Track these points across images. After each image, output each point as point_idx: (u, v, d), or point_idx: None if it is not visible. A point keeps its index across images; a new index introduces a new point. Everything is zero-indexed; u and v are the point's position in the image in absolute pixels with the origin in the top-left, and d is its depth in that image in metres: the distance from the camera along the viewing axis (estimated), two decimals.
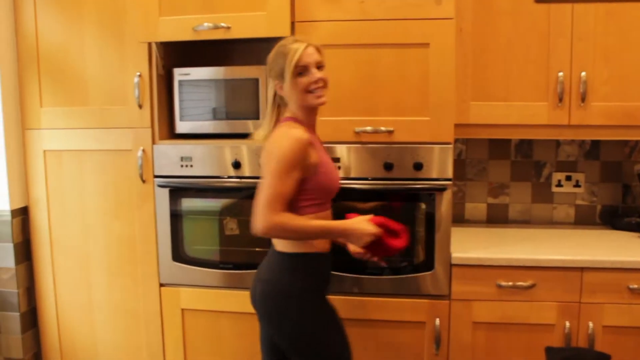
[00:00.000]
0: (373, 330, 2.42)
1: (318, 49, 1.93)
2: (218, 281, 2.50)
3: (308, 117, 1.97)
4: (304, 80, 1.88)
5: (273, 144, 1.88)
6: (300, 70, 1.88)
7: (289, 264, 1.95)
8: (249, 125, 2.46)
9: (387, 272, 2.39)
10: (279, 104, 1.98)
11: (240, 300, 2.45)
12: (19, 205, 2.68)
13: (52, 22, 2.55)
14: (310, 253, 1.96)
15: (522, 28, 2.46)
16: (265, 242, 2.41)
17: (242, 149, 2.42)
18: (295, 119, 1.94)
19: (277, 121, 1.98)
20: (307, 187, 1.90)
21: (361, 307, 2.41)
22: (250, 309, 2.45)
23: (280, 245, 1.96)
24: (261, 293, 1.97)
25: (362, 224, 1.90)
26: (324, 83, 1.91)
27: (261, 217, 1.81)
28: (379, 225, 1.92)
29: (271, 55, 1.94)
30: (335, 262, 2.37)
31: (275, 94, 1.97)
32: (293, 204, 1.90)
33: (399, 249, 1.96)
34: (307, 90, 1.90)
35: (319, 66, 1.92)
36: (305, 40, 1.93)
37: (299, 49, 1.88)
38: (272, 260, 2.00)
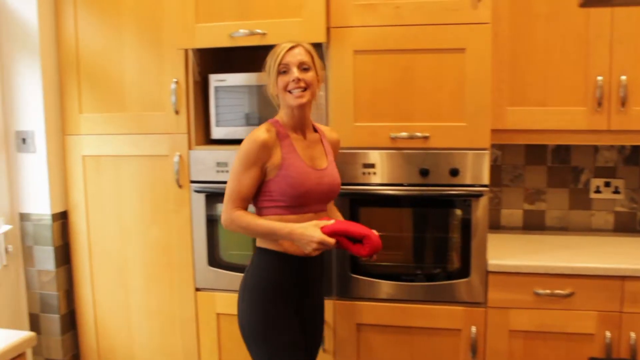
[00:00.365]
0: (408, 337, 2.41)
1: (309, 51, 1.95)
2: None
3: (292, 117, 1.98)
4: (284, 79, 1.91)
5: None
6: (283, 69, 1.92)
7: (257, 257, 2.02)
8: None
9: (421, 278, 2.37)
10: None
11: None
12: (59, 209, 2.73)
13: (92, 29, 2.61)
14: (275, 251, 1.97)
15: (560, 31, 2.42)
16: None
17: None
18: (276, 121, 1.98)
19: None
20: (268, 189, 1.94)
21: (395, 313, 2.40)
22: None
23: (257, 240, 2.03)
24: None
25: (309, 230, 1.85)
26: (305, 84, 1.91)
27: (222, 213, 1.96)
28: (338, 232, 1.86)
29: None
30: (368, 268, 2.38)
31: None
32: (256, 204, 1.98)
33: (362, 256, 1.90)
34: (287, 90, 1.92)
35: (304, 67, 1.92)
36: (298, 41, 1.96)
37: (284, 48, 1.92)
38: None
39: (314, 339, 2.15)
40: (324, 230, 1.84)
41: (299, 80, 1.90)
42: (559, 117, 2.45)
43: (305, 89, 1.91)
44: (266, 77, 1.98)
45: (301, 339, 2.02)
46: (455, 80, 2.27)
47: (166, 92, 2.53)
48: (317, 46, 2.36)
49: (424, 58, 2.28)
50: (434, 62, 2.27)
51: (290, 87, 1.91)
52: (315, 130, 2.09)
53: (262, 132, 1.92)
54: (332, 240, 1.83)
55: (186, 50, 2.48)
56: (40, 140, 2.65)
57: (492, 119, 2.37)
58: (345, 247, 1.90)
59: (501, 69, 2.45)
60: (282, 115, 2.00)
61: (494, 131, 2.40)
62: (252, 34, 2.31)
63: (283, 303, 1.98)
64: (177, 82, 2.50)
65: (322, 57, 2.42)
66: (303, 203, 1.95)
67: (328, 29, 2.30)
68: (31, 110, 2.64)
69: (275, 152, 1.92)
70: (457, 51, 2.25)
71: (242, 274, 2.49)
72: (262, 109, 2.50)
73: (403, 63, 2.29)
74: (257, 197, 1.98)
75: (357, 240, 1.88)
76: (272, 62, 1.94)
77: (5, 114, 2.67)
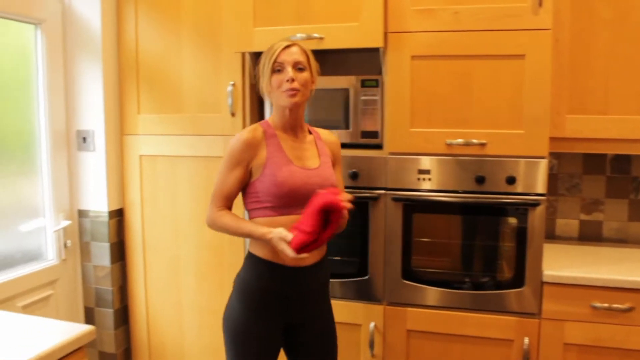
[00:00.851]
0: (458, 346, 2.38)
1: (305, 51, 1.91)
2: None
3: (283, 117, 1.93)
4: (278, 77, 1.87)
5: None
6: (277, 67, 1.87)
7: (248, 261, 1.97)
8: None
9: (473, 286, 2.34)
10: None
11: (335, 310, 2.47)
12: (115, 207, 2.81)
13: (152, 33, 2.67)
14: (264, 259, 1.91)
15: (625, 36, 2.35)
16: (351, 251, 2.43)
17: None
18: (265, 122, 1.96)
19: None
20: (254, 190, 1.90)
21: (446, 320, 2.37)
22: (348, 319, 2.47)
23: (249, 244, 1.99)
24: None
25: (276, 243, 1.78)
26: (298, 84, 1.86)
27: (207, 212, 1.95)
28: (304, 242, 1.75)
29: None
30: (420, 274, 2.36)
31: None
32: (246, 207, 1.96)
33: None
34: (280, 89, 1.87)
35: (299, 67, 1.88)
36: (296, 40, 1.94)
37: (280, 47, 1.87)
38: None
39: (323, 351, 2.06)
40: (292, 246, 1.75)
41: (292, 80, 1.85)
42: (621, 125, 2.38)
43: (298, 90, 1.87)
44: (260, 75, 1.93)
45: (274, 350, 1.97)
46: (513, 86, 2.23)
47: (223, 94, 2.57)
48: (375, 51, 2.37)
49: (482, 64, 2.25)
50: (492, 68, 2.24)
51: (284, 86, 1.86)
52: (310, 133, 2.04)
53: (245, 132, 1.90)
54: (294, 255, 1.74)
55: (243, 54, 2.51)
56: (99, 140, 2.73)
57: (550, 127, 2.31)
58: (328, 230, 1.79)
59: (561, 75, 2.40)
60: (273, 115, 1.97)
61: (552, 139, 2.34)
62: (309, 38, 2.32)
63: (266, 312, 1.91)
64: (233, 85, 2.53)
65: (379, 62, 2.43)
66: (290, 203, 1.88)
67: (385, 34, 2.29)
68: (92, 111, 2.72)
69: (261, 151, 1.88)
70: (517, 57, 2.21)
71: None
72: (317, 112, 2.51)
73: (460, 69, 2.26)
74: (245, 199, 1.95)
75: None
76: (267, 59, 1.89)
77: (68, 113, 2.75)
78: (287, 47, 1.88)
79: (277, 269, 1.89)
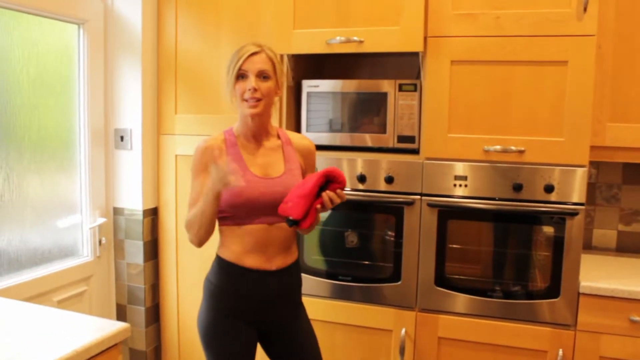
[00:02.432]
0: (491, 355, 2.34)
1: (271, 59, 1.87)
2: (335, 292, 2.52)
3: (246, 125, 1.92)
4: (241, 85, 1.84)
5: None
6: (241, 74, 1.84)
7: (216, 263, 1.96)
8: (366, 138, 2.48)
9: (507, 295, 2.31)
10: None
11: (356, 313, 2.46)
12: (150, 205, 2.84)
13: (191, 33, 2.70)
14: (224, 259, 1.91)
15: None
16: (384, 255, 2.42)
17: (358, 161, 2.43)
18: (228, 130, 1.95)
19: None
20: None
21: (478, 329, 2.34)
22: (365, 322, 2.46)
23: (218, 247, 1.98)
24: None
25: (220, 183, 1.72)
26: (260, 94, 1.83)
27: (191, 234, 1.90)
28: (305, 200, 1.75)
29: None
30: (453, 281, 2.34)
31: None
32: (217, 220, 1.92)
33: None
34: (242, 98, 1.85)
35: (264, 76, 1.84)
36: (265, 47, 1.88)
37: (246, 53, 1.83)
38: None
39: (303, 355, 2.05)
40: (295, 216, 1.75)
41: (255, 90, 1.82)
42: None
43: (260, 99, 1.84)
44: (225, 79, 1.90)
45: (249, 351, 1.94)
46: (554, 93, 2.19)
47: None
48: (413, 55, 2.36)
49: (522, 70, 2.22)
50: (533, 75, 2.21)
51: (245, 95, 1.84)
52: (280, 137, 2.01)
53: (205, 140, 1.91)
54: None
55: (281, 55, 2.52)
56: (136, 138, 2.76)
57: (591, 135, 2.27)
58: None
59: (603, 83, 2.36)
60: (237, 122, 1.95)
61: (592, 147, 2.30)
62: (349, 41, 2.32)
63: (236, 314, 1.91)
64: None
65: (417, 66, 2.41)
66: (251, 213, 1.86)
67: (425, 38, 2.28)
68: (130, 110, 2.76)
69: (218, 159, 1.77)
70: (559, 64, 2.18)
71: (322, 279, 2.53)
72: (354, 116, 2.51)
73: (500, 75, 2.24)
74: None
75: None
76: (231, 65, 1.85)
77: (107, 112, 2.79)
78: (253, 54, 1.84)
79: (244, 272, 1.89)
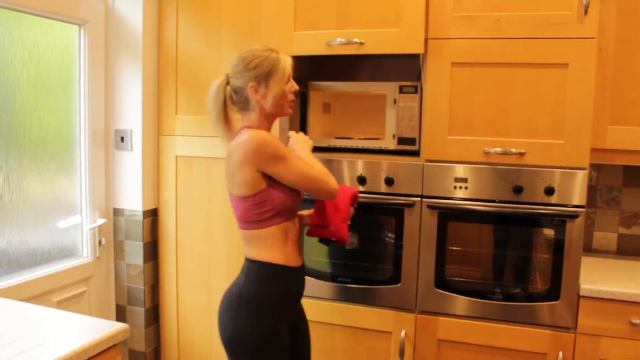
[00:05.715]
0: (490, 357, 2.34)
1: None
2: (334, 294, 2.52)
3: (268, 123, 1.98)
4: (288, 88, 1.93)
5: (253, 145, 1.84)
6: (288, 79, 1.94)
7: (255, 268, 1.92)
8: (366, 140, 2.49)
9: (507, 297, 2.31)
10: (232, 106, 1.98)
11: (356, 315, 2.46)
12: (150, 206, 2.83)
13: (192, 34, 2.70)
14: (269, 263, 1.90)
15: None
16: (384, 257, 2.42)
17: (359, 163, 2.43)
18: (250, 127, 1.93)
19: (229, 123, 2.00)
20: (267, 197, 1.89)
21: (478, 331, 2.34)
22: (364, 324, 2.46)
23: (248, 252, 1.95)
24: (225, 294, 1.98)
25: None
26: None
27: (333, 183, 1.94)
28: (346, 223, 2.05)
29: (250, 58, 1.90)
30: (453, 284, 2.34)
31: (229, 96, 1.96)
32: (247, 219, 1.92)
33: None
34: (285, 99, 1.94)
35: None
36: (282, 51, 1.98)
37: (288, 58, 1.94)
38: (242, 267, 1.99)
39: (307, 348, 2.13)
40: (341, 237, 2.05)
41: (297, 92, 1.98)
42: None
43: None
44: (260, 79, 1.89)
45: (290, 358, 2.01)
46: (555, 96, 2.19)
47: None
48: (414, 57, 2.36)
49: (523, 72, 2.22)
50: (534, 77, 2.21)
51: (290, 97, 1.95)
52: None
53: (258, 131, 1.87)
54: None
55: None
56: (137, 139, 2.76)
57: (591, 138, 2.27)
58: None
59: (604, 85, 2.36)
60: (260, 122, 1.94)
61: (592, 150, 2.31)
62: (350, 43, 2.32)
63: (282, 319, 1.92)
64: None
65: (417, 68, 2.42)
66: (293, 207, 1.97)
67: (426, 40, 2.28)
68: (130, 110, 2.76)
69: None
70: (559, 66, 2.17)
71: (322, 281, 2.52)
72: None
73: (501, 77, 2.24)
74: (252, 210, 1.89)
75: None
76: (281, 68, 1.91)
77: (107, 113, 2.79)
78: (291, 58, 1.96)
79: (291, 271, 1.95)
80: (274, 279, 1.92)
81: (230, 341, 1.89)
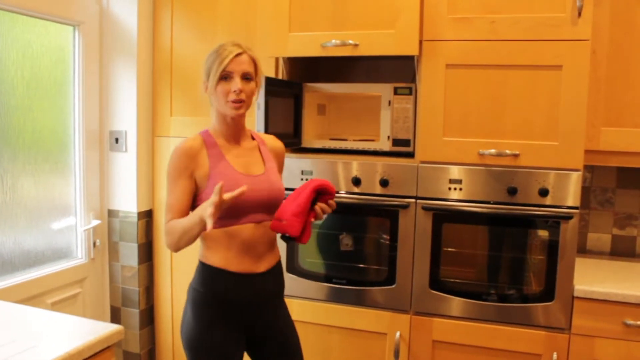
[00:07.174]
0: (485, 358, 2.34)
1: (253, 60, 1.86)
2: (329, 295, 2.52)
3: (225, 125, 1.89)
4: (225, 86, 1.81)
5: None
6: (225, 75, 1.81)
7: (199, 270, 1.91)
8: (361, 141, 2.49)
9: (501, 298, 2.31)
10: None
11: (351, 316, 2.46)
12: (145, 208, 2.83)
13: (187, 35, 2.70)
14: (209, 265, 1.87)
15: None
16: (379, 259, 2.42)
17: (353, 164, 2.43)
18: (205, 131, 1.90)
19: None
20: (201, 201, 1.82)
21: (473, 332, 2.34)
22: (360, 325, 2.46)
23: (199, 252, 1.94)
24: None
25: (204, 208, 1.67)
26: (245, 95, 1.82)
27: (167, 240, 1.85)
28: (299, 218, 1.78)
29: (209, 53, 1.87)
30: (448, 285, 2.34)
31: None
32: None
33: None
34: (226, 99, 1.82)
35: (247, 77, 1.83)
36: (246, 48, 1.86)
37: (231, 53, 1.81)
38: None
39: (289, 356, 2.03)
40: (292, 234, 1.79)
41: (240, 91, 1.80)
42: None
43: (244, 101, 1.83)
44: (205, 74, 1.86)
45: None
46: (549, 97, 2.20)
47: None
48: (408, 59, 2.37)
49: (517, 74, 2.22)
50: (528, 79, 2.21)
51: (230, 97, 1.81)
52: (254, 138, 2.00)
53: (184, 142, 1.84)
54: (217, 199, 1.61)
55: (277, 59, 2.52)
56: (131, 141, 2.76)
57: (585, 139, 2.28)
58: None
59: (597, 87, 2.37)
60: (214, 123, 1.91)
61: (586, 152, 2.32)
62: (344, 44, 2.32)
63: (223, 322, 1.87)
64: None
65: (412, 70, 2.42)
66: (238, 212, 1.83)
67: (420, 42, 2.29)
68: (125, 112, 2.76)
69: (202, 161, 1.82)
70: (553, 68, 2.18)
71: (317, 282, 2.52)
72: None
73: (495, 79, 2.24)
74: None
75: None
76: (215, 64, 1.81)
77: (102, 114, 2.79)
78: (238, 54, 1.82)
79: (230, 276, 1.85)
80: (209, 281, 1.87)
81: (181, 338, 1.93)
